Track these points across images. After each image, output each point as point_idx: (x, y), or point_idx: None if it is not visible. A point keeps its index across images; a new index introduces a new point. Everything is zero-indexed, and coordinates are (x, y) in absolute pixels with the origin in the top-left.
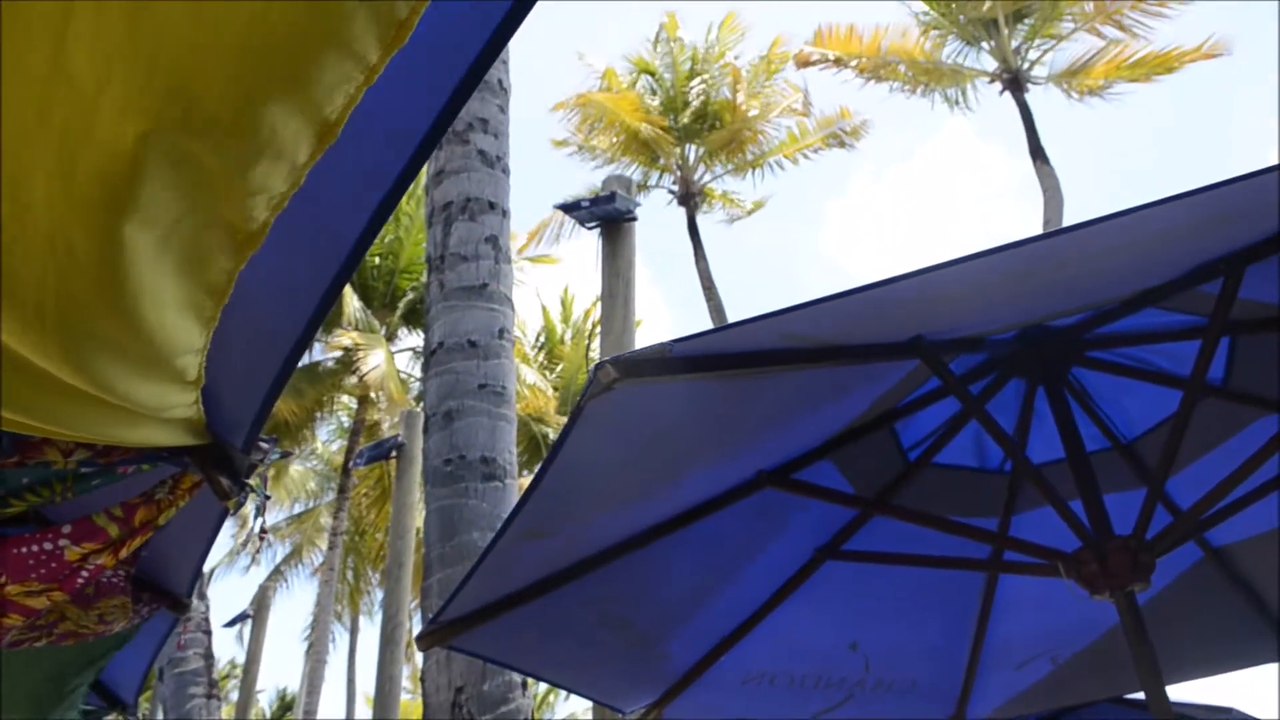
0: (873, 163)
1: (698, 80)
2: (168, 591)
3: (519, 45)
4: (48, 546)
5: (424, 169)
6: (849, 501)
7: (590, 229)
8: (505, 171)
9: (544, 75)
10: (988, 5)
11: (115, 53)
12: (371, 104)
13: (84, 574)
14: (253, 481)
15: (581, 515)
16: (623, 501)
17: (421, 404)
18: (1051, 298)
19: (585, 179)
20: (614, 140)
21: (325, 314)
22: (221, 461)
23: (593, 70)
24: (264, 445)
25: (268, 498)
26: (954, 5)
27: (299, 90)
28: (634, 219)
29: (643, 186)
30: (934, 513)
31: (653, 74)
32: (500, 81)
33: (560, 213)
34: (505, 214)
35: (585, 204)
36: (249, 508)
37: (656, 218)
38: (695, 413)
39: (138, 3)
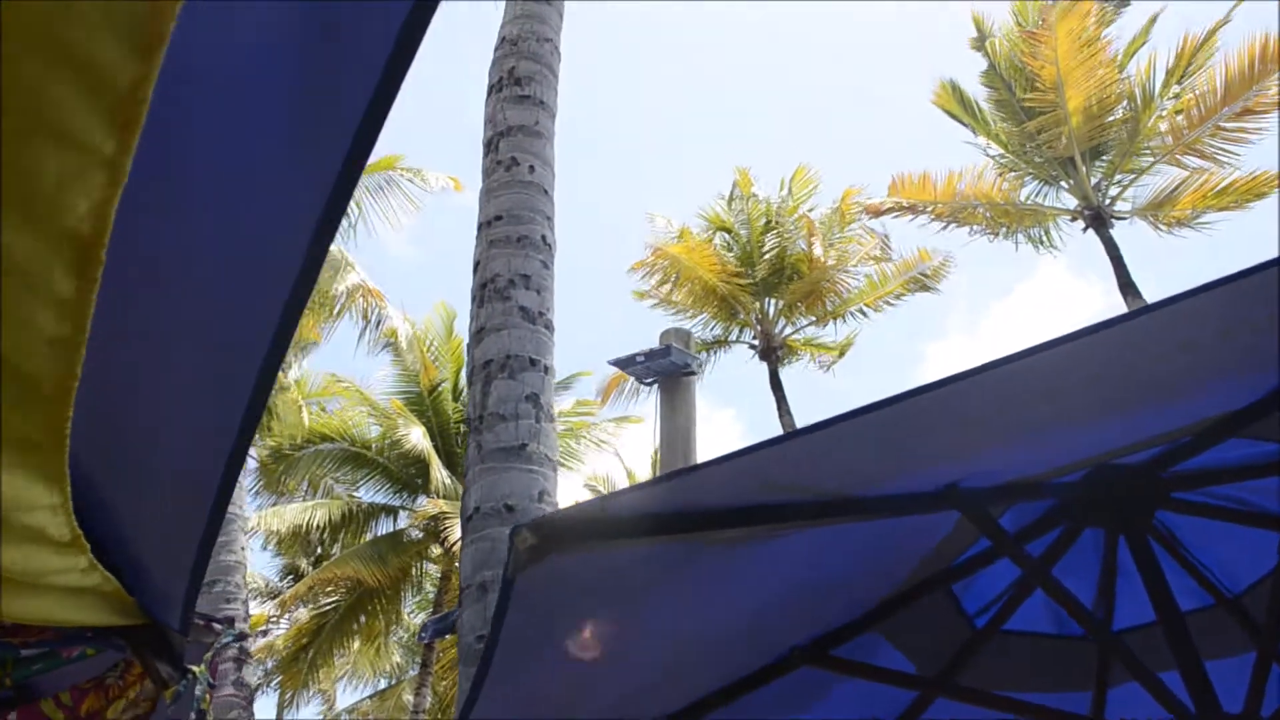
0: (971, 301)
1: (773, 234)
2: None
3: (588, 196)
4: None
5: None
6: (907, 682)
7: (648, 385)
8: (549, 328)
9: (623, 227)
10: (1064, 144)
11: None
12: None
13: None
14: (197, 669)
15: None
16: (612, 701)
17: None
18: (1117, 424)
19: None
20: (693, 294)
21: (246, 448)
22: (158, 644)
23: (669, 230)
24: (215, 626)
25: (212, 686)
26: (1028, 146)
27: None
28: (692, 373)
29: (723, 341)
30: (1011, 691)
31: (729, 230)
32: (544, 237)
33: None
34: (548, 370)
35: (641, 359)
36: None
37: (743, 364)
38: (679, 578)
39: None
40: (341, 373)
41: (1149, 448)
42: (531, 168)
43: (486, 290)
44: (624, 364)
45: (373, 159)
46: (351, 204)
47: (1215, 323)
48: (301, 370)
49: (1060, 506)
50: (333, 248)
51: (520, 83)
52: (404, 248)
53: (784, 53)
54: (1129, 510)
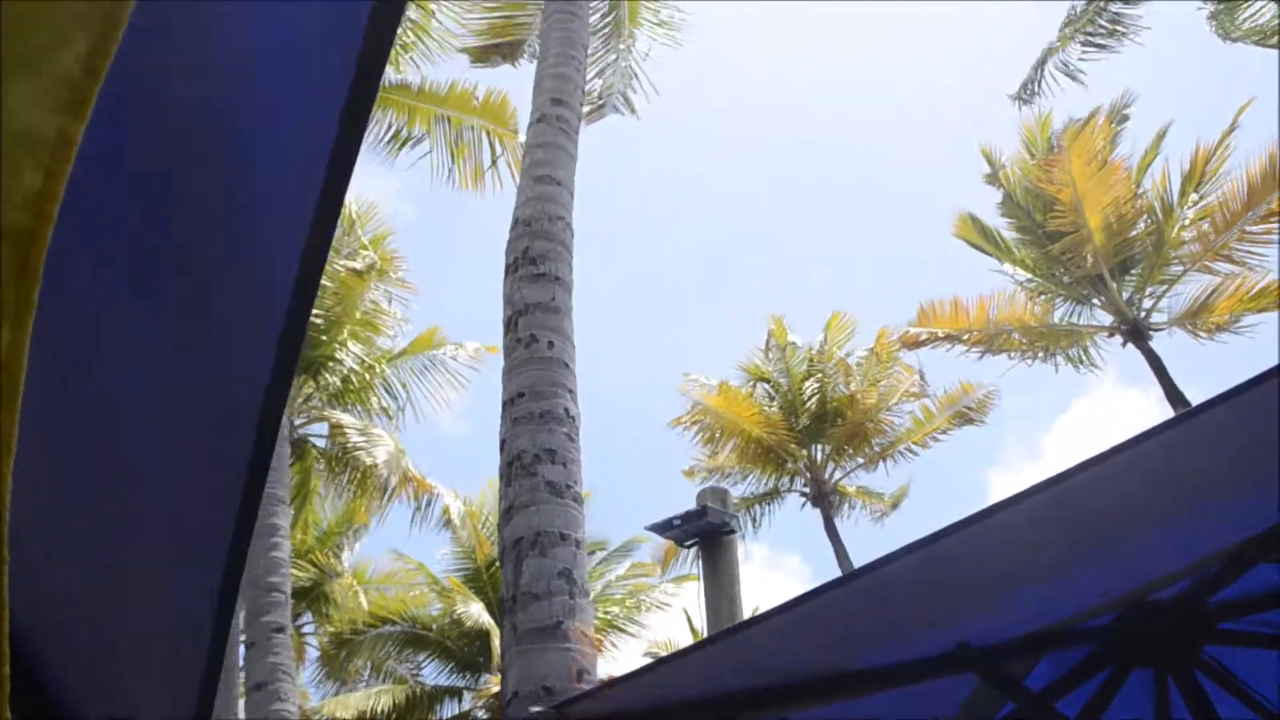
0: (1030, 421)
1: (813, 380)
2: None
3: (621, 356)
4: None
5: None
6: None
7: (688, 547)
8: (577, 500)
9: (660, 383)
10: (1090, 262)
11: None
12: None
13: None
14: None
15: None
16: None
17: None
18: (1141, 556)
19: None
20: (738, 450)
21: (241, 565)
22: None
23: (707, 384)
24: None
25: None
26: (1055, 269)
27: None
28: (732, 532)
29: (775, 493)
30: None
31: (768, 380)
32: (567, 410)
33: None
34: (579, 544)
35: (678, 522)
36: None
37: (800, 511)
38: None
39: None
40: (392, 555)
41: (1178, 580)
42: (550, 343)
43: (513, 468)
44: (661, 529)
45: (414, 336)
46: (398, 387)
47: (1225, 444)
48: (355, 555)
49: (1099, 652)
50: (383, 432)
51: (535, 261)
52: (455, 423)
53: (796, 196)
54: (1174, 648)
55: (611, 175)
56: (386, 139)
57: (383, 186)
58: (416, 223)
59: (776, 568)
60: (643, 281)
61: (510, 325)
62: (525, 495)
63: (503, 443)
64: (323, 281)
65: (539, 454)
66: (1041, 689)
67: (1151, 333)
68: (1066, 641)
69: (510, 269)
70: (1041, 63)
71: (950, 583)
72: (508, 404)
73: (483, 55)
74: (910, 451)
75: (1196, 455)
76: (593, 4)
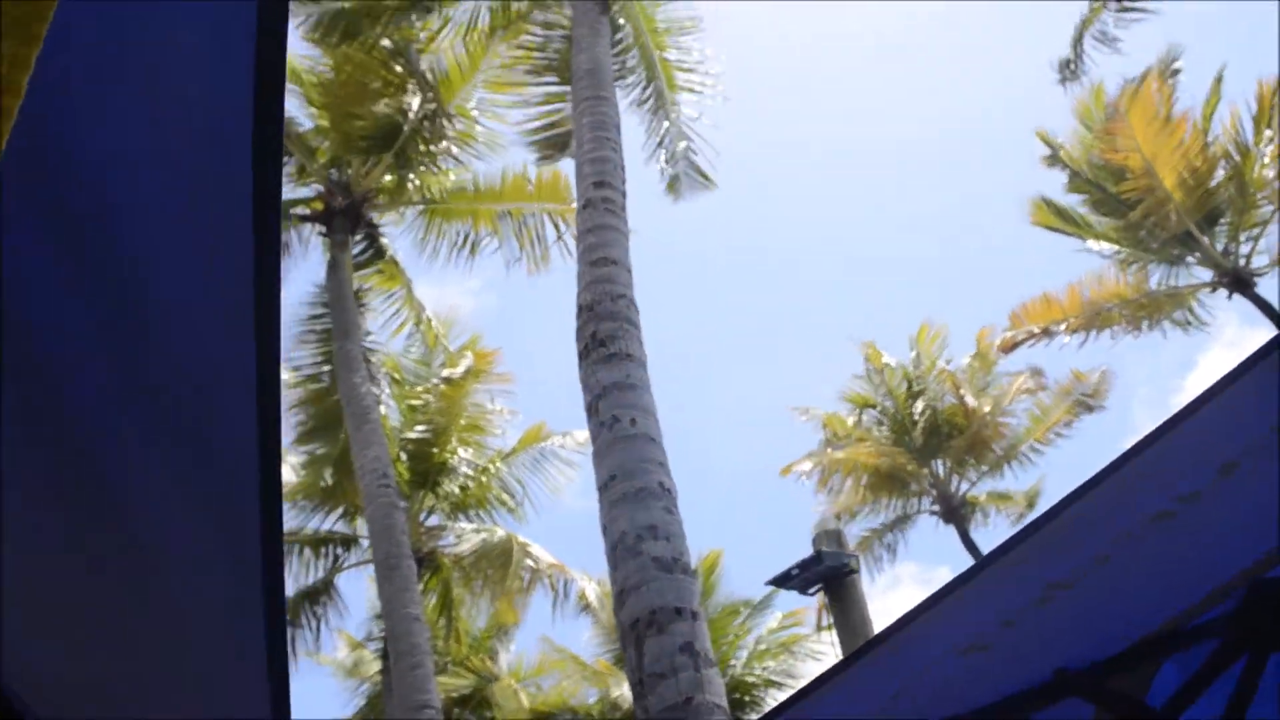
0: (1156, 389)
1: (919, 397)
2: None
3: (715, 410)
4: None
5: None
6: None
7: (812, 594)
8: (686, 572)
9: (759, 432)
10: (1174, 221)
11: None
12: None
13: None
14: None
15: None
16: None
17: None
18: (1237, 531)
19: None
20: (856, 483)
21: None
22: None
23: (812, 420)
24: None
25: None
26: (1140, 235)
27: None
28: (852, 571)
29: (904, 518)
30: None
31: (874, 406)
32: (660, 483)
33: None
34: (695, 616)
35: (796, 571)
36: None
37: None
38: None
39: None
40: (541, 641)
41: None
42: (633, 420)
43: (618, 551)
44: (781, 581)
45: (521, 433)
46: (514, 484)
47: None
48: (510, 654)
49: (1229, 643)
50: (503, 534)
51: (605, 343)
52: (576, 500)
53: (840, 219)
54: None
55: (683, 233)
56: (458, 247)
57: (463, 289)
58: (502, 309)
59: (929, 584)
60: (716, 328)
61: (592, 410)
62: (634, 576)
63: (604, 527)
64: (425, 397)
65: (640, 533)
66: (1166, 700)
67: (1255, 279)
68: (1184, 641)
69: (583, 355)
70: (1078, 38)
71: (1033, 598)
72: (602, 489)
73: (544, 147)
74: (1035, 450)
75: None
76: (629, 80)
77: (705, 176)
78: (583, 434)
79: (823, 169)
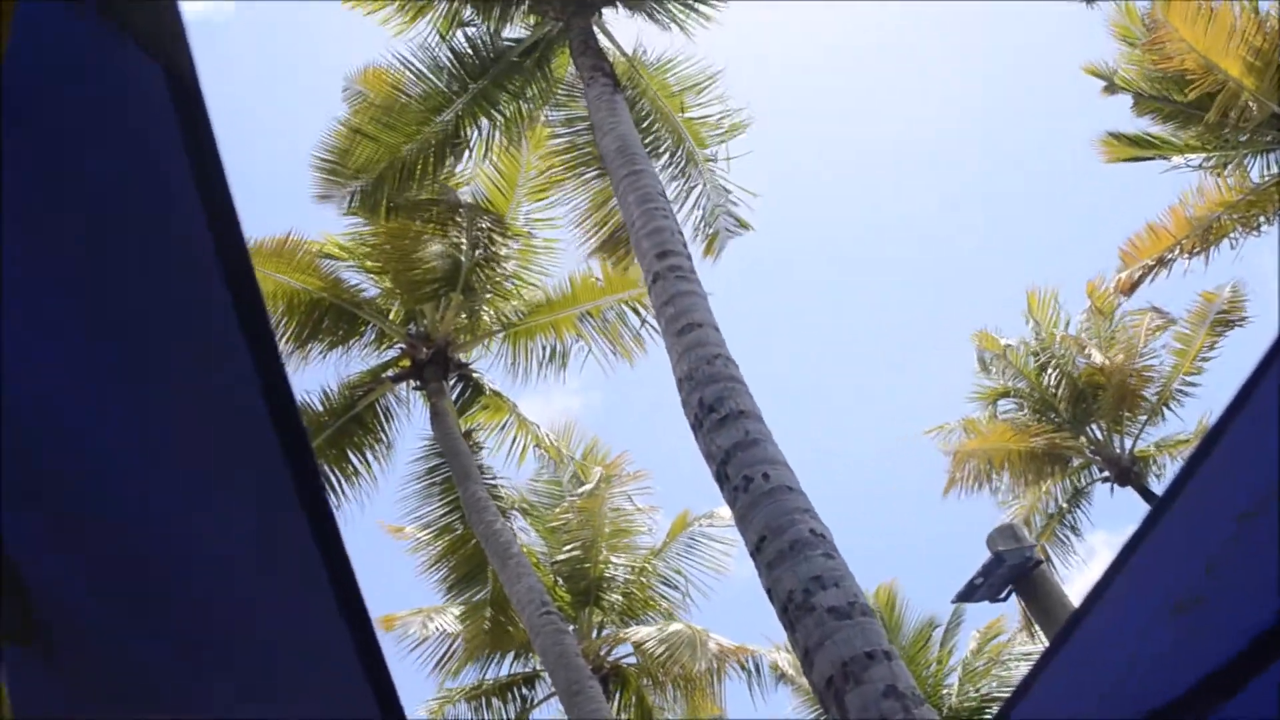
0: None
1: (1050, 370)
2: None
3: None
4: None
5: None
6: None
7: (1004, 599)
8: (865, 613)
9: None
10: (1255, 109)
11: None
12: None
13: None
14: None
15: None
16: None
17: None
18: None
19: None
20: (1012, 474)
21: None
22: None
23: (950, 434)
24: None
25: None
26: (1225, 133)
27: None
28: (1039, 562)
29: (1077, 493)
30: None
31: (1007, 393)
32: (812, 530)
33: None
34: (889, 656)
35: (980, 580)
36: None
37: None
38: None
39: None
40: None
41: None
42: (765, 475)
43: (789, 611)
44: (967, 595)
45: (669, 524)
46: (674, 575)
47: None
48: None
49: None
50: (678, 627)
51: (714, 408)
52: (740, 567)
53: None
54: None
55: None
56: (548, 361)
57: (566, 392)
58: (608, 400)
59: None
60: (804, 365)
61: (721, 477)
62: (814, 633)
63: (769, 591)
64: (563, 516)
65: (807, 587)
66: None
67: None
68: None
69: (696, 426)
70: None
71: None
72: (756, 553)
73: (610, 250)
74: (1189, 384)
75: None
76: (661, 150)
77: (743, 224)
78: (725, 509)
79: (856, 168)
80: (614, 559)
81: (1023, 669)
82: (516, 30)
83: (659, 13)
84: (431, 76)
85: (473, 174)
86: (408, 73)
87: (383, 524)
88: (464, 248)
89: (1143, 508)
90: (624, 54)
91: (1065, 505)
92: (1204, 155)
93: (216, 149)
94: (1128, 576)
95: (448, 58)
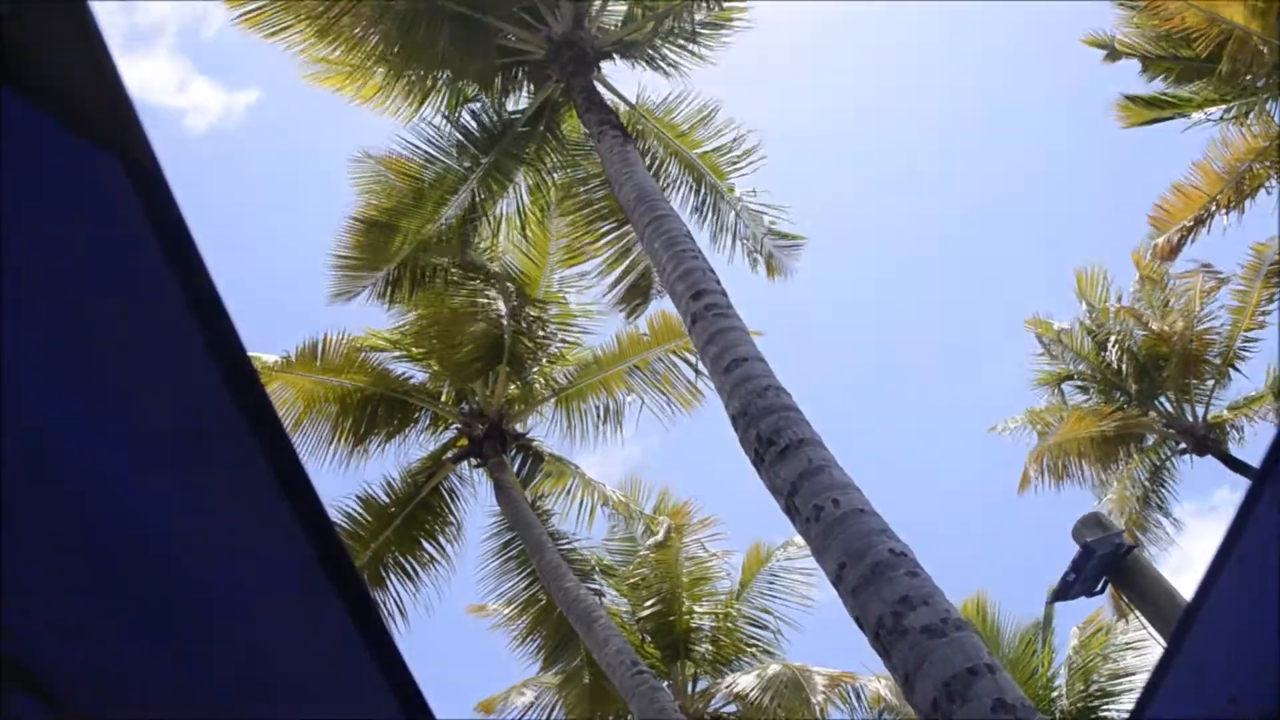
0: None
1: (1110, 348)
2: None
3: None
4: None
5: None
6: None
7: (1100, 593)
8: (959, 628)
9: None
10: (1266, 53)
11: None
12: None
13: None
14: None
15: None
16: None
17: None
18: None
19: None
20: (1087, 460)
21: None
22: None
23: (1016, 429)
24: None
25: None
26: (1239, 82)
27: None
28: (1132, 548)
29: (1157, 470)
30: None
31: (1069, 377)
32: (891, 550)
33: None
34: (992, 669)
35: (1072, 576)
36: None
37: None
38: None
39: None
40: None
41: None
42: (834, 501)
43: (881, 638)
44: (1061, 594)
45: (745, 565)
46: (765, 616)
47: None
48: None
49: None
50: (777, 668)
51: (772, 441)
52: (824, 592)
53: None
54: None
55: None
56: (604, 419)
57: (625, 443)
58: (667, 443)
59: (1214, 512)
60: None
61: (791, 511)
62: (910, 657)
63: (857, 620)
64: (639, 571)
65: (896, 610)
66: None
67: None
68: None
69: (757, 462)
70: None
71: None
72: (837, 582)
73: (628, 300)
74: (1250, 341)
75: None
76: (681, 191)
77: (793, 237)
78: (799, 540)
79: (861, 167)
80: (697, 608)
81: (1130, 658)
82: (521, 101)
83: (655, 59)
84: (442, 158)
85: (505, 247)
86: (416, 158)
87: (468, 607)
88: (504, 321)
89: (1226, 475)
90: (628, 103)
91: (1148, 484)
92: (1224, 107)
93: (188, 231)
94: (1237, 564)
95: (457, 136)
